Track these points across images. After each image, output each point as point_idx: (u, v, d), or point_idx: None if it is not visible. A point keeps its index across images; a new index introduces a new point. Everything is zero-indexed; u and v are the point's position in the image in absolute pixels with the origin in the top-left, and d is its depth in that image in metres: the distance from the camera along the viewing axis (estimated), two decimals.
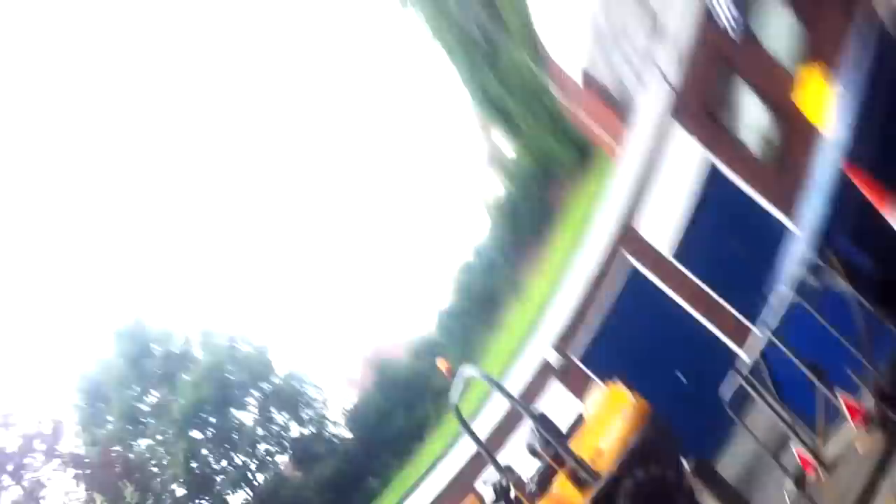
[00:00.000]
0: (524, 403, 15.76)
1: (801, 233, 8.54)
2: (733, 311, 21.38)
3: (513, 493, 15.84)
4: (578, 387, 22.33)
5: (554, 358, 23.41)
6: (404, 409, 48.16)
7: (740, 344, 19.78)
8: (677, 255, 22.44)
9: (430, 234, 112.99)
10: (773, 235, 15.86)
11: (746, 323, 20.26)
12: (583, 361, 23.23)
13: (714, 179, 21.99)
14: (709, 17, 21.99)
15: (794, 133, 20.19)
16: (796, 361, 7.59)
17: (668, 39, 24.20)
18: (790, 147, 20.46)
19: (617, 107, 31.92)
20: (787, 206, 18.77)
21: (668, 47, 23.18)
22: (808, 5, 21.14)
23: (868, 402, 6.79)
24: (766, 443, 9.18)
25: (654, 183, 22.87)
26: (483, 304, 51.67)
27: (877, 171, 6.22)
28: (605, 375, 21.57)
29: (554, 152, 45.25)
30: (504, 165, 55.49)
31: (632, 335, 22.63)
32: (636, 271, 23.20)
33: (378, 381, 52.18)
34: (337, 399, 55.93)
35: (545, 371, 23.43)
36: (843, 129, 7.76)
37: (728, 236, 21.82)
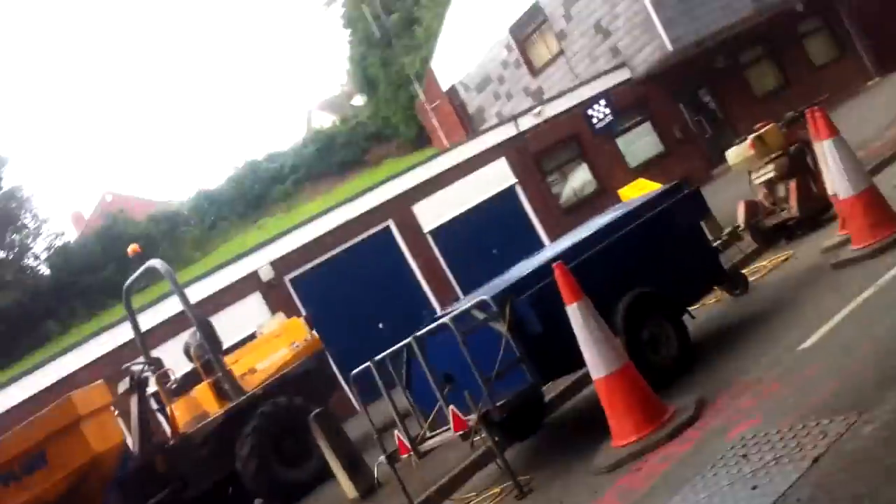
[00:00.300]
0: (192, 307, 15.77)
1: (503, 277, 9.71)
2: (460, 294, 23.14)
3: (152, 386, 15.75)
4: (278, 306, 22.61)
5: (265, 272, 22.95)
6: (117, 265, 45.80)
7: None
8: (433, 233, 24.99)
9: (238, 119, 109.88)
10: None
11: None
12: (293, 284, 23.43)
13: (507, 196, 26.15)
14: (586, 106, 27.40)
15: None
16: (423, 365, 8.34)
17: (540, 101, 29.08)
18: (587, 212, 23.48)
19: (466, 121, 36.80)
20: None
21: (538, 110, 27.48)
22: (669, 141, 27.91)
23: (472, 420, 7.80)
24: (385, 418, 10.10)
25: (454, 179, 25.67)
26: (248, 203, 50.78)
27: (581, 279, 7.40)
28: (309, 303, 22.92)
29: (394, 125, 48.82)
30: (345, 111, 57.13)
31: (354, 278, 23.52)
32: (387, 230, 24.67)
33: (104, 229, 49.38)
34: (52, 232, 52.13)
35: (252, 282, 23.10)
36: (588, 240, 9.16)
37: (486, 238, 24.66)
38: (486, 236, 24.90)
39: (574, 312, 7.15)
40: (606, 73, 28.38)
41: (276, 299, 22.95)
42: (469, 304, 8.53)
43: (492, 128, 27.83)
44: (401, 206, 24.97)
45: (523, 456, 9.42)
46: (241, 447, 14.21)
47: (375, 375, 8.93)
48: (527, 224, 26.09)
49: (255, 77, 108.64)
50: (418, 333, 8.50)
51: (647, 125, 28.21)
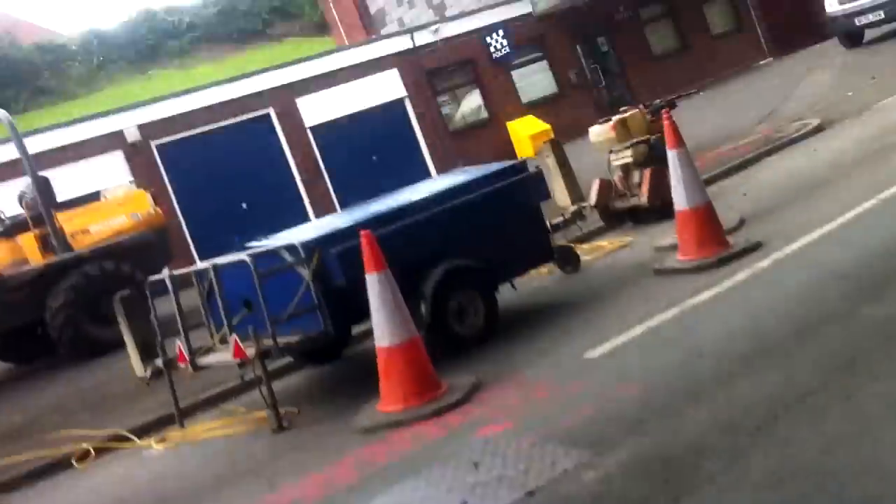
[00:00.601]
0: (31, 158, 15.94)
1: (322, 223, 10.03)
2: (332, 195, 24.24)
3: None
4: (140, 169, 22.69)
5: (132, 133, 22.59)
6: None
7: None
8: (314, 129, 25.12)
9: None
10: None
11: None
12: (160, 151, 23.21)
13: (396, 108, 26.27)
14: (484, 32, 27.52)
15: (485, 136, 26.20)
16: (217, 292, 8.43)
17: (441, 16, 29.71)
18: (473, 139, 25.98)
19: (366, 20, 36.98)
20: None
21: (436, 28, 27.52)
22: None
23: (250, 351, 7.83)
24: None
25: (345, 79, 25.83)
26: (139, 52, 49.01)
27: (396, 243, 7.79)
28: (173, 172, 22.84)
29: (300, 4, 49.90)
30: None
31: (225, 158, 23.58)
32: (267, 118, 24.64)
33: None
34: None
35: (116, 140, 22.78)
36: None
37: (369, 145, 25.10)
38: (368, 143, 24.85)
39: (372, 281, 7.17)
40: (507, 2, 28.29)
41: (140, 163, 22.67)
42: (278, 245, 8.57)
43: (388, 36, 27.66)
44: (284, 96, 24.74)
45: (305, 386, 9.60)
46: (54, 299, 14.75)
47: (169, 286, 8.83)
48: (412, 139, 26.11)
49: None
50: (217, 262, 8.51)
51: (544, 63, 28.36)
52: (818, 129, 15.62)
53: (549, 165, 15.51)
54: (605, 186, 13.05)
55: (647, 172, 12.51)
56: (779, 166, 14.45)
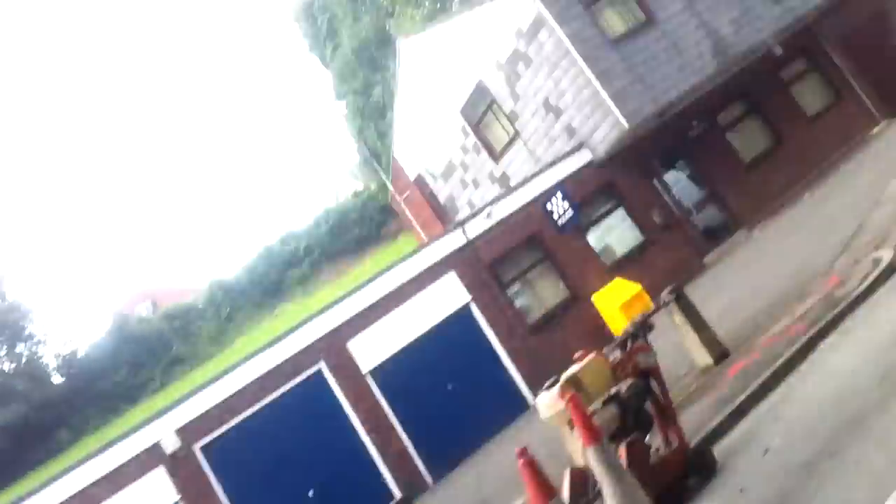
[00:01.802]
0: None
1: None
2: (407, 442, 20.77)
3: None
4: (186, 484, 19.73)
5: (172, 442, 19.84)
6: (130, 367, 43.82)
7: (397, 476, 20.15)
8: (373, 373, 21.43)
9: (249, 205, 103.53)
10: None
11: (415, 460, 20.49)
12: (205, 453, 20.16)
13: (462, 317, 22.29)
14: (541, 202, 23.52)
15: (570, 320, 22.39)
16: None
17: (507, 187, 26.32)
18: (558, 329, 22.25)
19: (440, 212, 33.72)
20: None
21: (488, 212, 23.72)
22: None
23: None
24: None
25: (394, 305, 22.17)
26: (264, 291, 47.97)
27: None
28: (223, 477, 19.92)
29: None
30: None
31: (279, 438, 20.37)
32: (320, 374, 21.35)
33: (114, 332, 47.17)
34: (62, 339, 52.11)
35: (153, 454, 19.83)
36: None
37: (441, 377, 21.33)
38: (437, 370, 21.38)
39: None
40: (565, 156, 24.50)
41: (186, 476, 19.86)
42: None
43: (437, 238, 23.99)
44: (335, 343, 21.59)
45: None
46: None
47: None
48: (487, 350, 22.07)
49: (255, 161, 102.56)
50: None
51: (621, 212, 24.29)
52: (891, 270, 11.21)
53: (678, 323, 12.56)
54: (579, 478, 8.99)
55: (623, 451, 8.53)
56: (827, 371, 9.95)
